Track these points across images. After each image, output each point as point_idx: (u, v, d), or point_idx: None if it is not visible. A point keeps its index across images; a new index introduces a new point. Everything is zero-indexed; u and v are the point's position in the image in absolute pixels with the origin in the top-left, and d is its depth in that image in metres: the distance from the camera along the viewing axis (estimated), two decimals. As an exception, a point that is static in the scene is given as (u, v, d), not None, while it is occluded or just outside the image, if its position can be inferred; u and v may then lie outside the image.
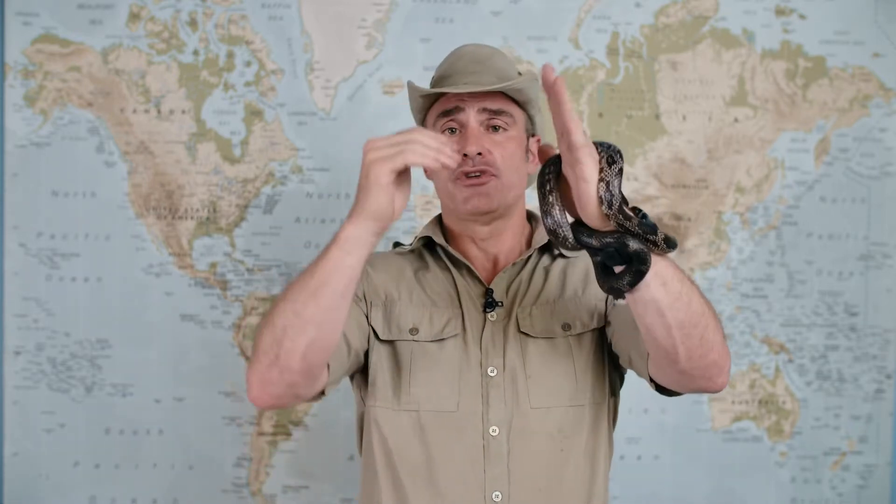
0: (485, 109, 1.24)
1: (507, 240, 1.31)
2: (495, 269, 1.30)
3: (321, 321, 1.04)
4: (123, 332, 1.86)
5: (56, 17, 1.84)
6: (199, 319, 1.87)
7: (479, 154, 1.22)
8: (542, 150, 1.07)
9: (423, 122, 1.33)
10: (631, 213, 0.98)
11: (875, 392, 1.95)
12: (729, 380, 1.11)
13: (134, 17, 1.85)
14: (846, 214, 1.95)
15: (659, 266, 1.00)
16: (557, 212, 1.02)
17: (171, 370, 1.87)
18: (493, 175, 1.23)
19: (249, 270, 1.87)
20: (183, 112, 1.86)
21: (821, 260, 1.94)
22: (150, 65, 1.86)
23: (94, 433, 1.86)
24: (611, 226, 0.98)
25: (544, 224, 1.03)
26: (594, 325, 1.26)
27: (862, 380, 1.95)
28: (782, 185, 1.93)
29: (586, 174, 0.95)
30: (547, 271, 1.30)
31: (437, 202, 1.86)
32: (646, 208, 1.91)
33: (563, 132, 0.96)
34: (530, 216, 1.37)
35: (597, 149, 0.97)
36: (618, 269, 1.01)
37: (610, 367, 1.28)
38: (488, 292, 1.26)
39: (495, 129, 1.25)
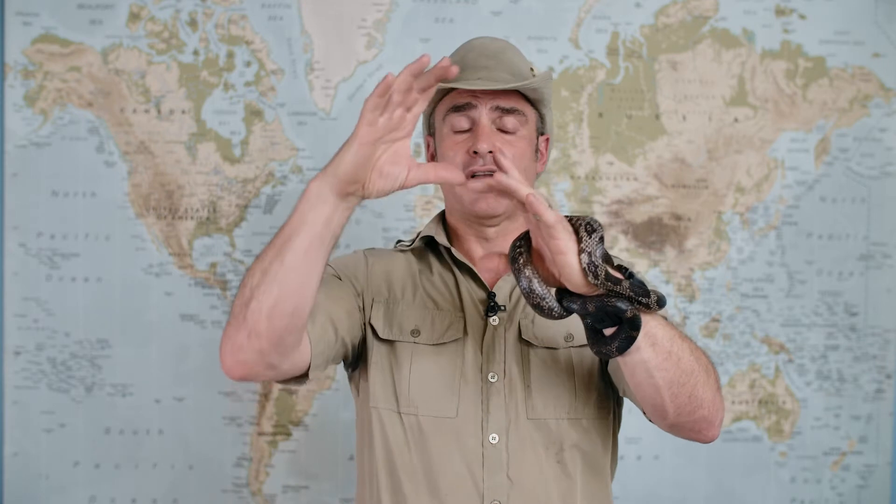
0: (497, 108, 1.22)
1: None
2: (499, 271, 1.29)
3: (283, 280, 1.01)
4: (123, 332, 1.86)
5: (56, 17, 1.84)
6: (199, 319, 1.87)
7: (490, 152, 1.19)
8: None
9: (431, 113, 1.30)
10: (619, 276, 0.98)
11: (875, 392, 1.95)
12: (720, 432, 1.13)
13: (134, 17, 1.85)
14: (846, 214, 1.95)
15: (649, 325, 0.99)
16: (537, 285, 1.02)
17: (171, 370, 1.86)
18: None
19: (249, 270, 1.87)
20: (183, 112, 1.86)
21: (821, 260, 1.94)
22: (150, 65, 1.86)
23: (94, 433, 1.86)
24: (599, 290, 0.98)
25: (527, 299, 1.03)
26: None
27: (862, 380, 1.95)
28: (782, 185, 1.93)
29: (562, 247, 0.96)
30: None
31: (437, 202, 1.87)
32: (646, 208, 1.91)
33: (529, 213, 0.97)
34: None
35: (573, 220, 0.98)
36: (608, 330, 1.00)
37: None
38: (491, 296, 1.23)
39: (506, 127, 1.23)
